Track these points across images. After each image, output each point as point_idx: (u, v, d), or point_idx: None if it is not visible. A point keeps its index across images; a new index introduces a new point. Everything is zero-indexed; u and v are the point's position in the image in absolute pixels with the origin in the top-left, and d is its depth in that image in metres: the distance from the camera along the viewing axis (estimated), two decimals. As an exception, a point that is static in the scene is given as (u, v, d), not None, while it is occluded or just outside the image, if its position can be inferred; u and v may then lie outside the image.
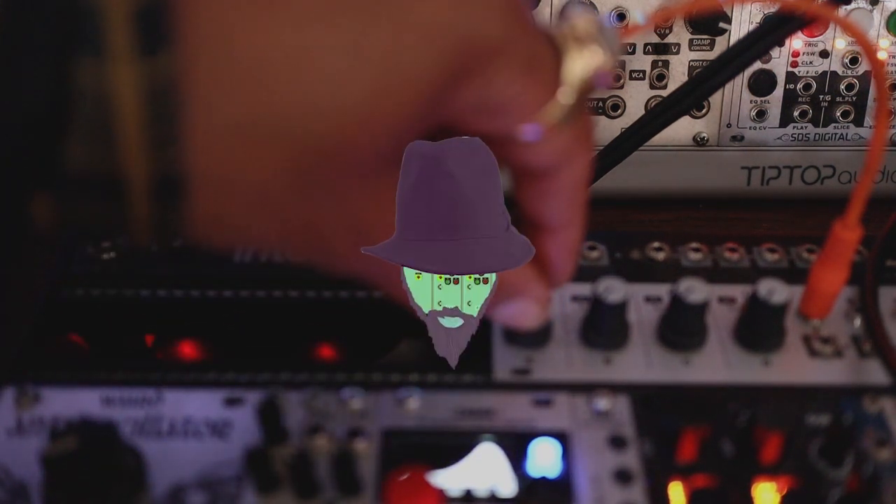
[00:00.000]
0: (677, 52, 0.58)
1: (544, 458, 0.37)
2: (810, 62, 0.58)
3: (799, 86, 0.59)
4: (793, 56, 0.58)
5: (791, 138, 0.60)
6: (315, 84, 0.25)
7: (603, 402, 0.39)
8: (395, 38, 0.26)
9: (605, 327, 0.42)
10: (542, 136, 0.30)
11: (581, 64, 0.30)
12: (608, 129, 0.59)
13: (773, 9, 0.51)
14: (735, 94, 0.59)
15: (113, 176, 0.24)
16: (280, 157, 0.26)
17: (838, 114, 0.59)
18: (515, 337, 0.42)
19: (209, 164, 0.25)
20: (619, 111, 0.59)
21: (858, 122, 0.60)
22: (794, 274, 0.46)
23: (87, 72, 0.22)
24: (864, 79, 0.58)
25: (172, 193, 0.25)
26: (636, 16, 0.56)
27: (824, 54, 0.58)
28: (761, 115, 0.59)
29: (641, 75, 0.58)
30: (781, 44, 0.56)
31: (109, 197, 0.24)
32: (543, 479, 0.36)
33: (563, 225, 0.35)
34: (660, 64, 0.58)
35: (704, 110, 0.59)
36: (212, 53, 0.24)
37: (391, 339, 0.48)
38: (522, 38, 0.29)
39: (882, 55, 0.58)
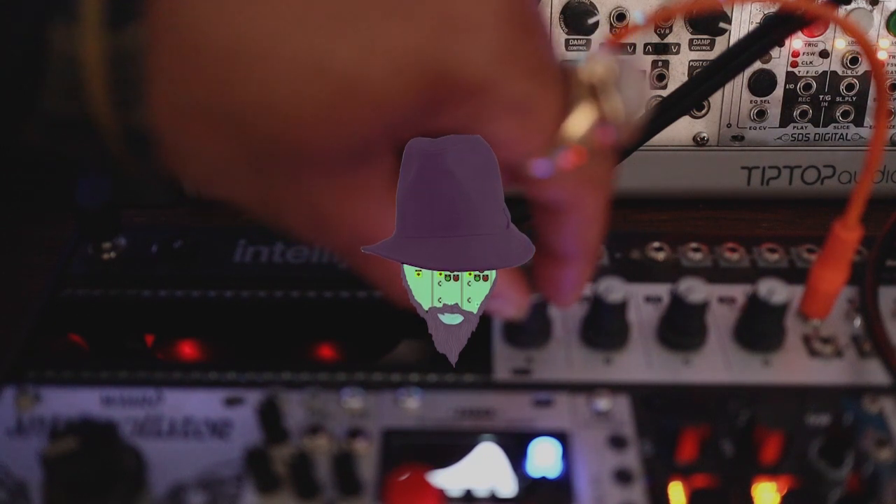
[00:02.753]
0: (677, 52, 0.58)
1: (544, 458, 0.37)
2: (810, 62, 0.58)
3: (799, 86, 0.59)
4: (793, 56, 0.58)
5: (791, 138, 0.60)
6: (273, 85, 0.25)
7: (603, 402, 0.39)
8: (361, 58, 0.26)
9: (605, 327, 0.42)
10: (552, 174, 0.29)
11: (586, 114, 0.29)
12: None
13: (773, 9, 0.51)
14: (735, 94, 0.59)
15: (86, 122, 0.26)
16: (235, 141, 0.27)
17: (838, 114, 0.59)
18: (515, 337, 0.42)
19: (169, 132, 0.26)
20: (619, 111, 0.59)
21: (858, 122, 0.60)
22: (794, 274, 0.46)
23: (61, 36, 0.24)
24: (864, 79, 0.58)
25: (141, 145, 0.26)
26: (636, 16, 0.56)
27: (824, 54, 0.58)
28: (761, 115, 0.59)
29: (641, 75, 0.58)
30: (781, 44, 0.56)
31: (87, 137, 0.26)
32: (543, 479, 0.36)
33: (570, 257, 0.34)
34: (660, 64, 0.58)
35: (704, 110, 0.59)
36: (179, 36, 0.25)
37: (391, 339, 0.48)
38: (513, 80, 0.28)
39: (882, 55, 0.58)
